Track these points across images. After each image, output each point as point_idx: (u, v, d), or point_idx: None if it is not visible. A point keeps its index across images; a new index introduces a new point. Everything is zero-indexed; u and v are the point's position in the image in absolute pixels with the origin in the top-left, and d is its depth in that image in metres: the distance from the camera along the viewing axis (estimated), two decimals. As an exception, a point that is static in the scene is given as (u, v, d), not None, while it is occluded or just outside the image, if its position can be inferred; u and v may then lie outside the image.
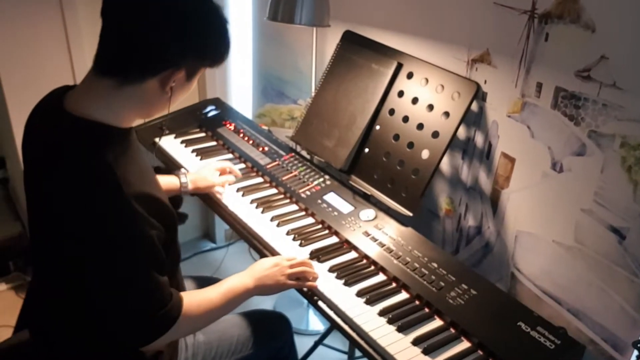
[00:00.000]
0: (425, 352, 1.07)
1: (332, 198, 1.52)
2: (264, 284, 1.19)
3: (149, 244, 0.95)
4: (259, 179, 1.65)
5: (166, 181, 1.45)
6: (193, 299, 1.07)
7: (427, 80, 1.48)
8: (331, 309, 1.19)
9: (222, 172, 1.59)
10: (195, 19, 0.93)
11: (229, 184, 1.58)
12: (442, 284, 1.22)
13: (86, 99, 0.95)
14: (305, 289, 1.24)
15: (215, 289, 1.13)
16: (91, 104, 0.94)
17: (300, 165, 1.67)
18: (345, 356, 1.92)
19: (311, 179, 1.60)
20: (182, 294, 1.05)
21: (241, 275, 1.19)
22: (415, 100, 1.49)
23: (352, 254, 1.36)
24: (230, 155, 1.78)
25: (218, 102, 2.06)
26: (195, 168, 1.68)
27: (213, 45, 0.98)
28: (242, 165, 1.73)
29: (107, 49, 0.93)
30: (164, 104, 1.00)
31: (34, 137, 1.02)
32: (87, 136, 0.92)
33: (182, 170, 1.55)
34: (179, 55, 0.93)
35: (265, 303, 2.31)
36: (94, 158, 0.90)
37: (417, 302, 1.20)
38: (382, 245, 1.34)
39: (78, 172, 0.90)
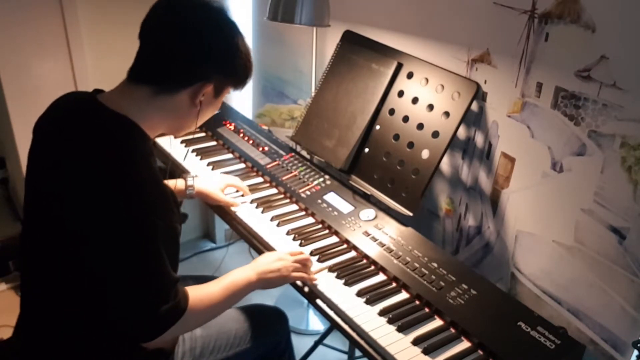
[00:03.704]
0: (425, 352, 1.07)
1: (332, 198, 1.52)
2: (267, 278, 1.20)
3: (171, 234, 1.00)
4: (259, 179, 1.65)
5: (171, 184, 1.45)
6: (197, 293, 1.07)
7: (427, 80, 1.48)
8: (331, 308, 1.19)
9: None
10: (224, 41, 1.04)
11: (239, 203, 1.53)
12: (442, 284, 1.22)
13: (121, 100, 1.02)
14: (305, 288, 1.24)
15: (218, 284, 1.13)
16: (125, 105, 1.01)
17: (300, 165, 1.67)
18: (345, 356, 1.92)
19: (311, 179, 1.60)
20: (187, 288, 1.06)
21: (244, 269, 1.19)
22: (415, 100, 1.49)
23: (352, 254, 1.36)
24: (230, 155, 1.78)
25: (218, 102, 2.06)
26: (195, 168, 1.69)
27: (238, 65, 1.08)
28: (242, 165, 1.73)
29: (145, 62, 1.03)
30: (192, 119, 1.09)
31: (62, 122, 1.03)
32: (124, 127, 0.99)
33: (192, 173, 1.54)
34: (209, 70, 1.04)
35: (265, 302, 2.31)
36: (132, 145, 0.97)
37: (417, 302, 1.20)
38: (382, 245, 1.34)
39: (116, 154, 0.94)
